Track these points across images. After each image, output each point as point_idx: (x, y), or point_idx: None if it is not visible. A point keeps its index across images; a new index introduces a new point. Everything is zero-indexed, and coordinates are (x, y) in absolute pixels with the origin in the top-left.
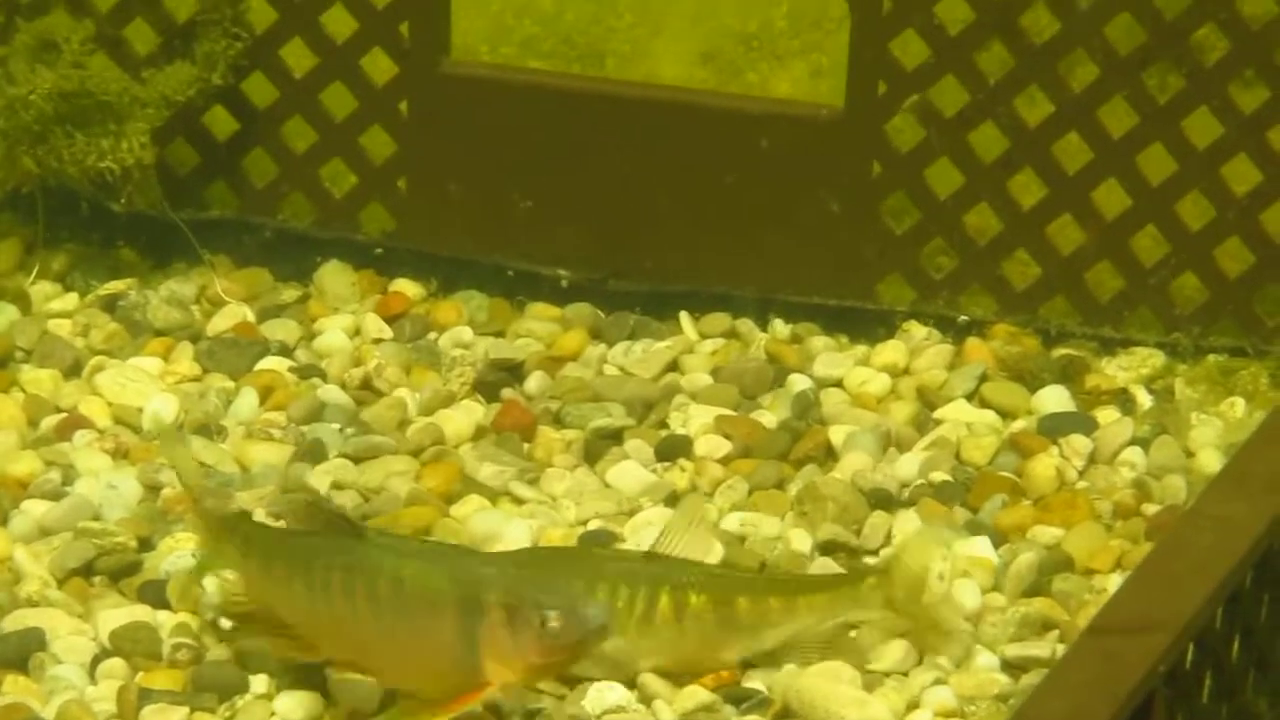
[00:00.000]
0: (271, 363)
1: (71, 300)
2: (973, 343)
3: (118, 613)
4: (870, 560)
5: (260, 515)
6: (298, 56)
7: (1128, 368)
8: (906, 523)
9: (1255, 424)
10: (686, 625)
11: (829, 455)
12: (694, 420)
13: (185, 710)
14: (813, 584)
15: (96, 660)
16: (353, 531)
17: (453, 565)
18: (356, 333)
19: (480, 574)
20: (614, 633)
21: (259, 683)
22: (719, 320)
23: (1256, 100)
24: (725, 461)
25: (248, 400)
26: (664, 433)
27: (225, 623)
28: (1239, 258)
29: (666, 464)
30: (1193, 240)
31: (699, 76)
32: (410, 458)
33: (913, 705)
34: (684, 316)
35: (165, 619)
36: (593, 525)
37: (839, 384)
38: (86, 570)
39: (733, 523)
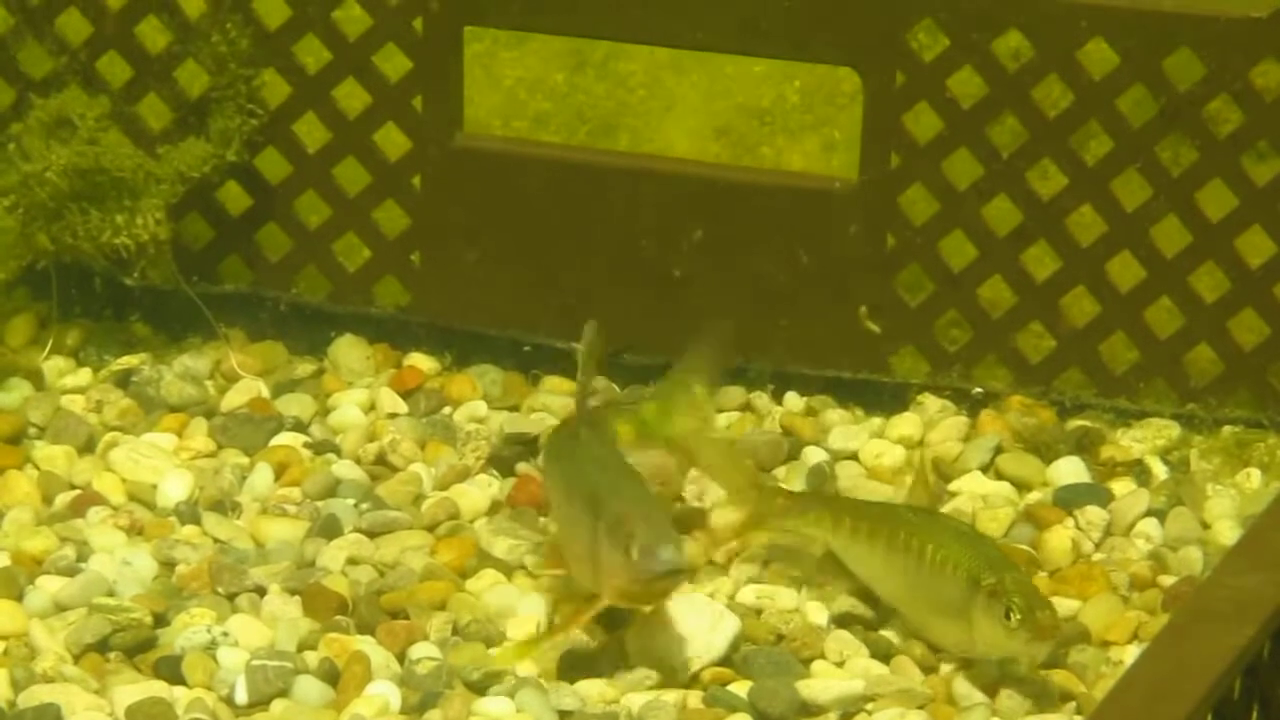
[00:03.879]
0: (286, 438)
1: (85, 376)
2: (987, 415)
3: (134, 688)
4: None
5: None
6: (310, 131)
7: (1143, 439)
8: None
9: (1271, 495)
10: None
11: None
12: (710, 493)
13: None
14: None
15: None
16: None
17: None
18: (371, 407)
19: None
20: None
21: None
22: (733, 394)
23: (1270, 172)
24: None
25: (262, 476)
26: (679, 505)
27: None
28: (1254, 329)
29: (682, 537)
30: (1207, 312)
31: (712, 151)
32: (425, 533)
33: None
34: (698, 390)
35: (181, 694)
36: None
37: (854, 456)
38: (102, 646)
39: (749, 595)
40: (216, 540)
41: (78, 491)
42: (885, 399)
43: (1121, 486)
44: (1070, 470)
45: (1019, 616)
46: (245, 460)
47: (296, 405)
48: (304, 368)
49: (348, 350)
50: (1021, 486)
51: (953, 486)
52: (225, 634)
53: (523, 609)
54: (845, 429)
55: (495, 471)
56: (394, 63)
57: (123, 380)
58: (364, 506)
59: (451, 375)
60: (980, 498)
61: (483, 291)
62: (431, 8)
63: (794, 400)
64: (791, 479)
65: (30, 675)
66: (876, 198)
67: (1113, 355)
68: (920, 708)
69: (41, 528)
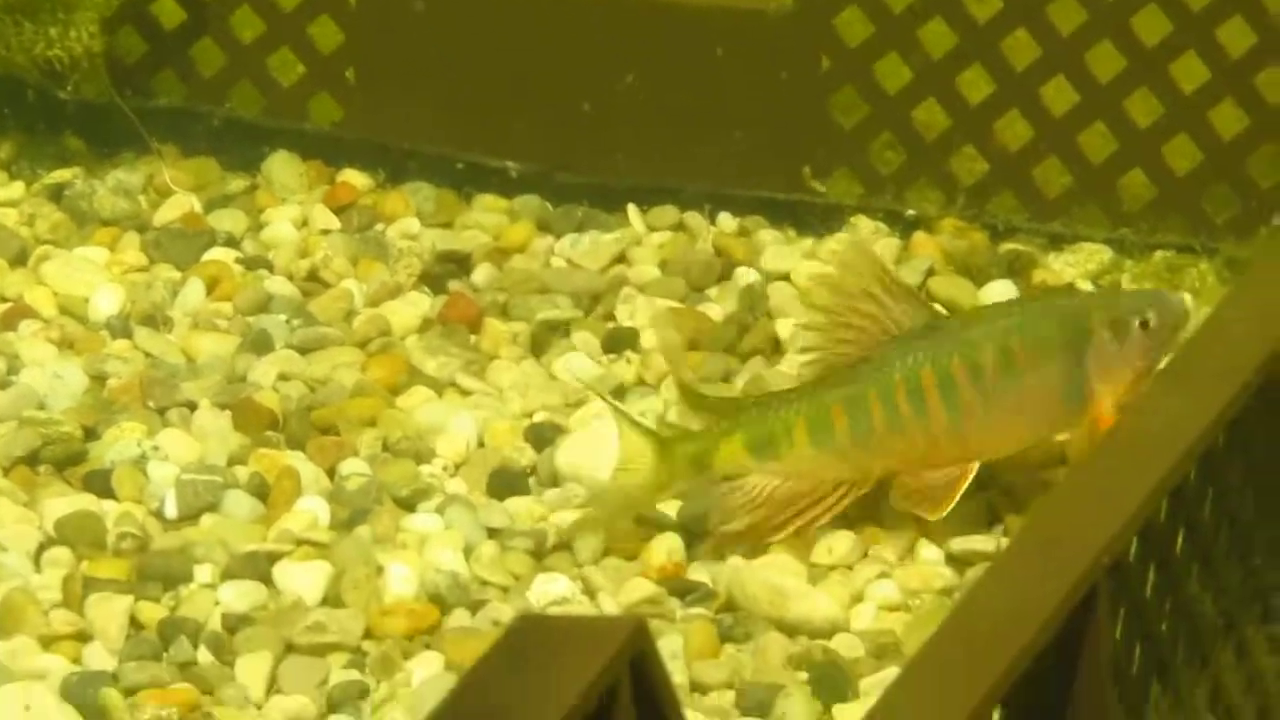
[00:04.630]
0: (218, 253)
1: (17, 189)
2: (920, 237)
3: (63, 501)
4: None
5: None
6: None
7: (1074, 264)
8: None
9: (1201, 320)
10: None
11: (776, 348)
12: (641, 313)
13: (129, 599)
14: None
15: (42, 549)
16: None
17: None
18: (304, 224)
19: (1078, 305)
20: None
21: (203, 572)
22: (667, 213)
23: None
24: None
25: (194, 291)
26: (611, 325)
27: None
28: (1187, 155)
29: (613, 356)
30: (1141, 137)
31: None
32: (356, 349)
33: (857, 598)
34: (632, 209)
35: (110, 508)
36: (539, 417)
37: (786, 277)
38: (32, 459)
39: (679, 416)
40: (147, 354)
41: (9, 304)
42: (818, 220)
43: None
44: (1002, 293)
45: (1154, 315)
46: (177, 275)
47: (229, 221)
48: (237, 183)
49: (281, 166)
50: (954, 308)
51: None
52: (155, 448)
53: (453, 426)
54: (778, 249)
55: (427, 289)
56: None
57: (55, 194)
58: (295, 322)
59: (385, 192)
60: None
61: (417, 108)
62: None
63: (727, 220)
64: (724, 299)
65: None
66: (812, 19)
67: (1046, 179)
68: (849, 528)
69: None
